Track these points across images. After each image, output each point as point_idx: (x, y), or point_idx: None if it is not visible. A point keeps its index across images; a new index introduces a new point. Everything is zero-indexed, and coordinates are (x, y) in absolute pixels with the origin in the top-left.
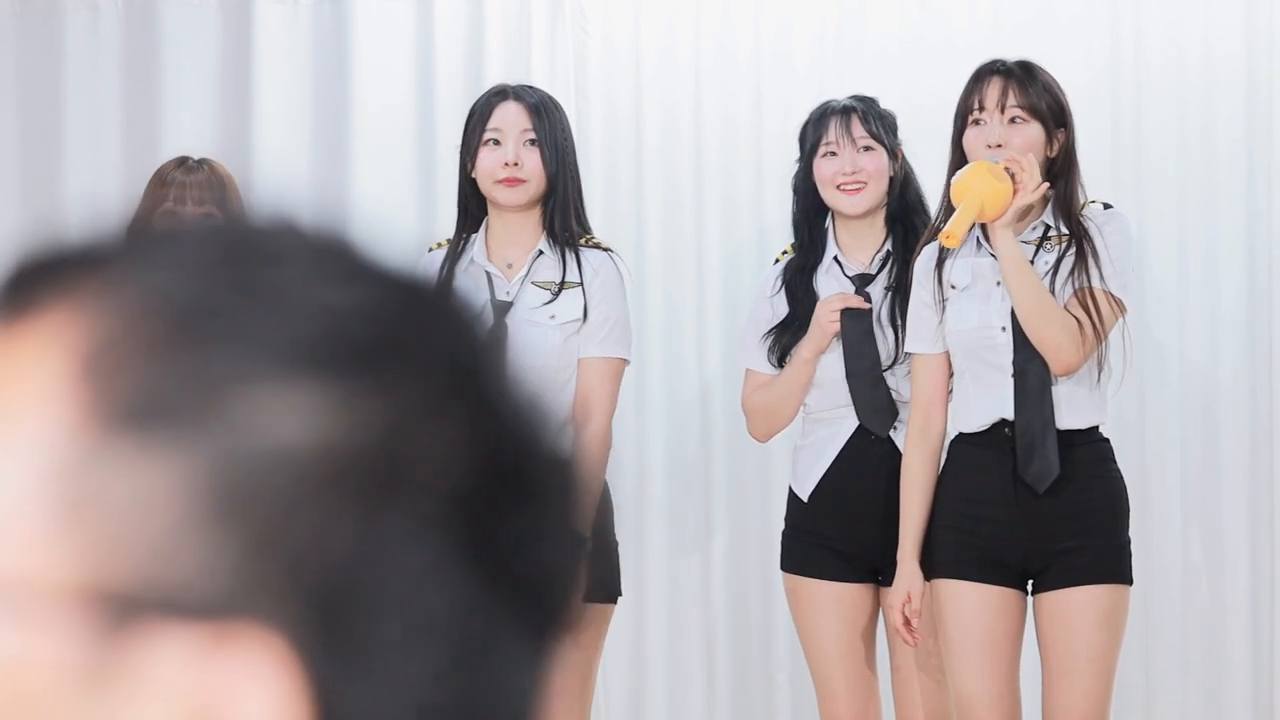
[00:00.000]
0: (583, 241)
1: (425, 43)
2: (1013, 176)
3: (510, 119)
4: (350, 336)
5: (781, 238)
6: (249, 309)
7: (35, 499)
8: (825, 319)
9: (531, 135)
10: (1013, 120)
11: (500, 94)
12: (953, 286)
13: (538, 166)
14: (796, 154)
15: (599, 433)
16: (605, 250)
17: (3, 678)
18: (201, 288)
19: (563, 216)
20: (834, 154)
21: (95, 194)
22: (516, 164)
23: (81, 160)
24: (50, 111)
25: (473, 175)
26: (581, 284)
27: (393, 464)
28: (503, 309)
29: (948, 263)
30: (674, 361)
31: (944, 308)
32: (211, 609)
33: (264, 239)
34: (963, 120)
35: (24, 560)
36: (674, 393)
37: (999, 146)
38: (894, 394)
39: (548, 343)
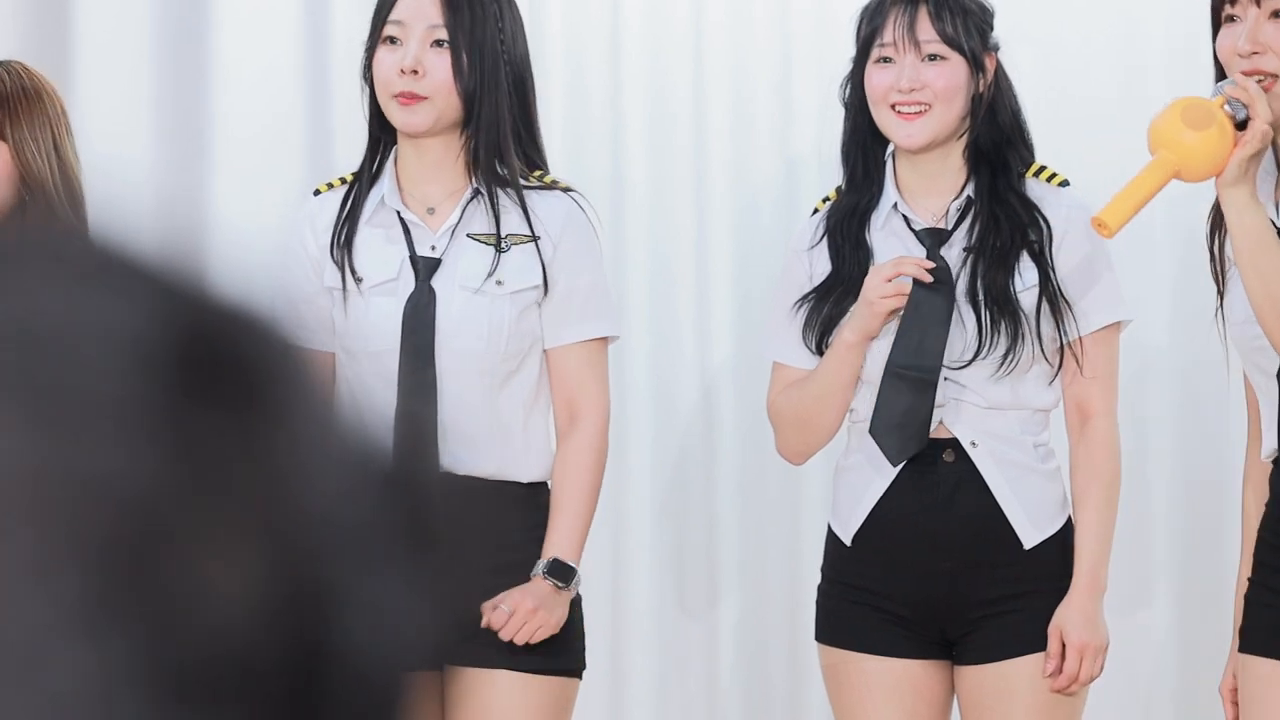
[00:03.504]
0: (533, 179)
1: None
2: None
3: (415, 8)
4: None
5: (818, 176)
6: None
7: None
8: (875, 292)
9: (442, 34)
10: (1275, 14)
11: None
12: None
13: (445, 77)
14: (847, 51)
15: (592, 437)
16: (564, 190)
17: None
18: None
19: (489, 148)
20: (890, 61)
21: None
22: (415, 71)
23: None
24: None
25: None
26: (535, 238)
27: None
28: (428, 268)
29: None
30: (665, 353)
31: (1224, 286)
32: None
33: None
34: (1216, 15)
35: None
36: (665, 397)
37: (1253, 55)
38: (957, 403)
39: (496, 318)
